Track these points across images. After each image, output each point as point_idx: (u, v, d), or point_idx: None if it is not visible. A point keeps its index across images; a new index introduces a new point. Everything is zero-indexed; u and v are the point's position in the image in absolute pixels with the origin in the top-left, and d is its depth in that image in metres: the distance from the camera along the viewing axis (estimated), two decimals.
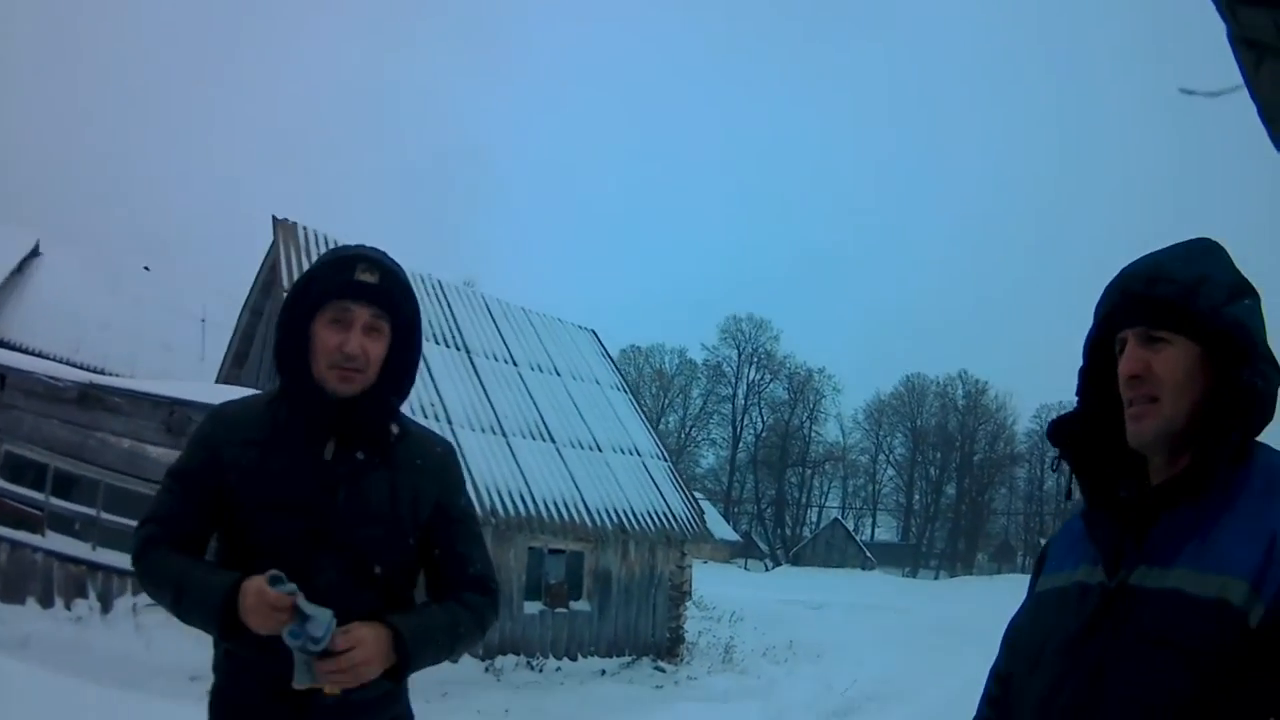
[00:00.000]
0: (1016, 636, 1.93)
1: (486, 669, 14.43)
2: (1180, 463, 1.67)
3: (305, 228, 18.20)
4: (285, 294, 2.73)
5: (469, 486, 2.84)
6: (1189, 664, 1.48)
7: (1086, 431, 1.82)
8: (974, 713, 2.04)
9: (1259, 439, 1.69)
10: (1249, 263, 1.80)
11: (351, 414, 2.51)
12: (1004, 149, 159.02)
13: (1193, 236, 1.79)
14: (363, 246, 2.60)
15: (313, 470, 2.48)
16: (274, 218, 18.03)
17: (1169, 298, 1.66)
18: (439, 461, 2.69)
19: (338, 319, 2.48)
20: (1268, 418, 1.66)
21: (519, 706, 12.07)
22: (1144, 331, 1.68)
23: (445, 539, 2.64)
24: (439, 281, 19.87)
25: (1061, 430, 1.84)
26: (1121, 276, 1.77)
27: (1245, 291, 1.70)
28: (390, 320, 2.56)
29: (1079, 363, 1.87)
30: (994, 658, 2.04)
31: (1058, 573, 1.84)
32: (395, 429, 2.61)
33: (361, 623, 2.30)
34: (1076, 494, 1.82)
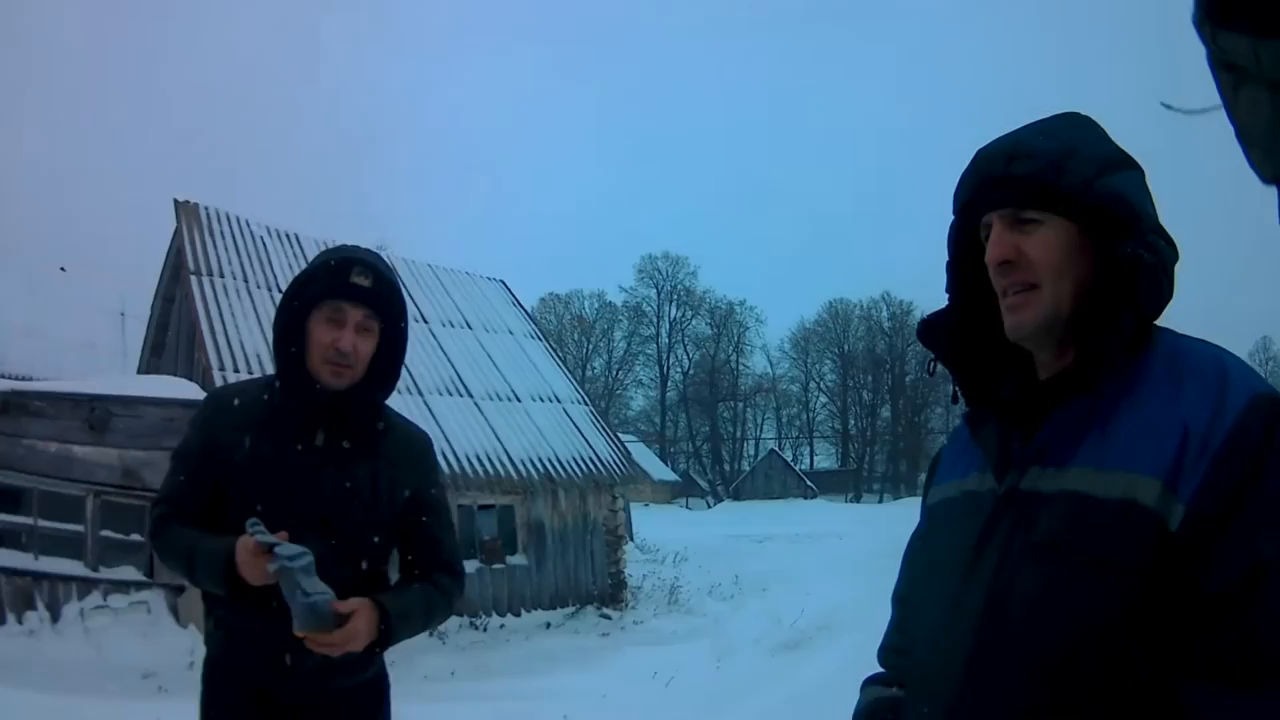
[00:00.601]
0: (913, 555, 1.85)
1: (431, 633, 14.01)
2: (1069, 354, 1.54)
3: (208, 208, 18.10)
4: (282, 294, 2.85)
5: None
6: (1097, 574, 1.34)
7: (963, 330, 1.69)
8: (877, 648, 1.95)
9: (1159, 322, 1.53)
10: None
11: (341, 406, 2.76)
12: (913, 61, 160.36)
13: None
14: (359, 249, 2.84)
15: (303, 456, 2.73)
16: (175, 201, 17.93)
17: (1032, 175, 1.52)
18: (418, 453, 2.98)
19: (333, 317, 2.70)
20: (1165, 296, 1.51)
21: (464, 666, 11.95)
22: (1011, 213, 1.53)
23: (420, 524, 2.89)
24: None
25: (934, 330, 1.73)
26: (978, 157, 1.62)
27: (1123, 163, 1.56)
28: (380, 321, 2.79)
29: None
30: None
31: (946, 483, 1.74)
32: (381, 423, 2.87)
33: (356, 598, 2.54)
34: (961, 398, 1.70)
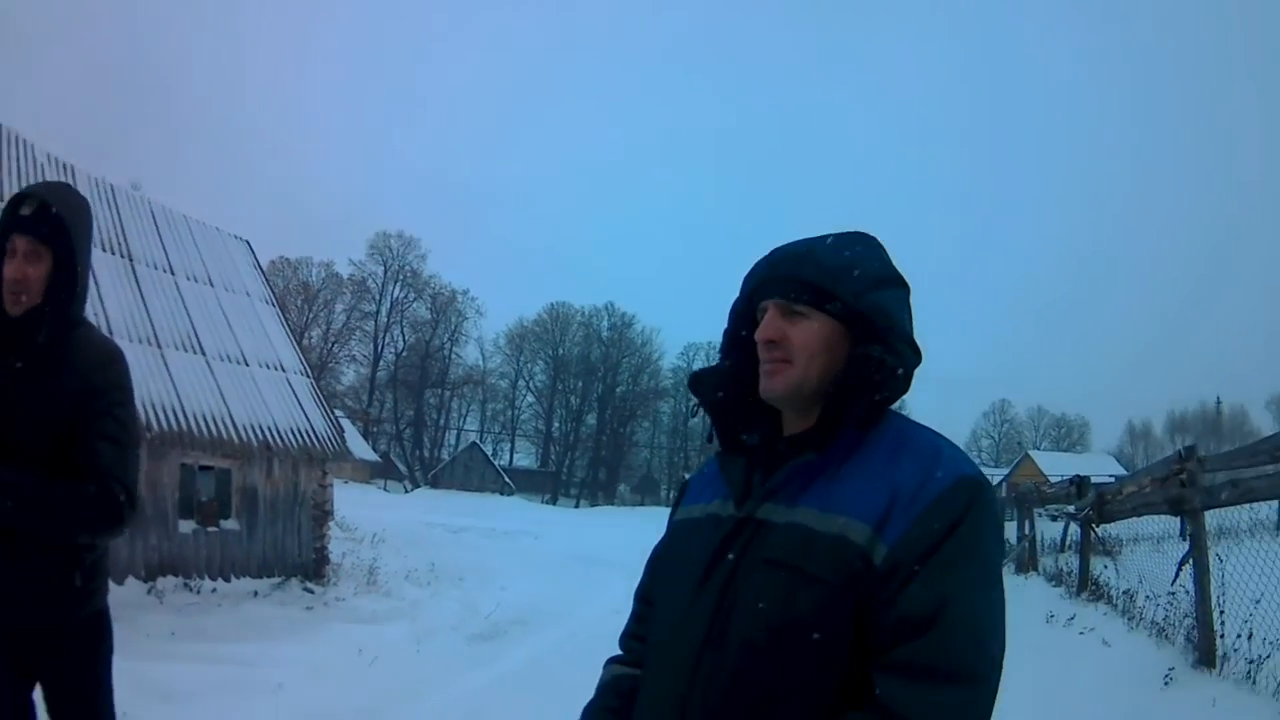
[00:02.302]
0: (658, 561, 2.14)
1: (149, 591, 13.90)
2: (812, 418, 1.84)
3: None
4: None
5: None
6: (809, 587, 1.67)
7: (726, 384, 1.99)
8: (620, 632, 2.24)
9: (894, 409, 1.90)
10: None
11: (18, 330, 2.94)
12: (675, 90, 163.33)
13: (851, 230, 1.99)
14: (37, 185, 3.05)
15: None
16: None
17: (813, 280, 1.83)
18: (95, 364, 3.08)
19: (10, 251, 2.94)
20: (900, 390, 1.85)
21: (183, 629, 11.69)
22: (785, 305, 1.85)
23: (82, 431, 2.96)
24: (111, 186, 18.42)
25: (702, 381, 2.01)
26: (773, 254, 1.94)
27: (892, 283, 1.90)
28: (50, 247, 2.98)
29: (727, 307, 2.04)
30: (634, 583, 2.28)
31: (694, 505, 2.04)
32: (43, 337, 2.98)
33: None
34: (716, 439, 2.01)
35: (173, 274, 18.24)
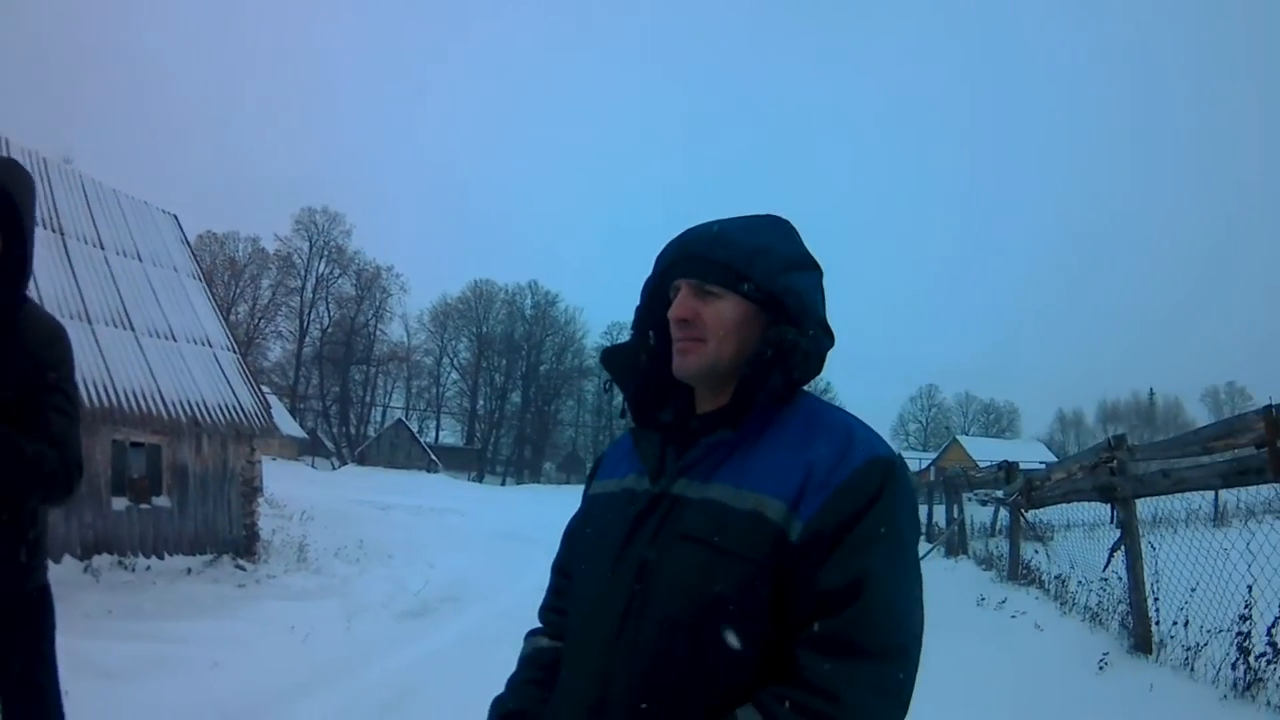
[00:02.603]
0: (574, 535, 2.17)
1: (85, 569, 13.83)
2: (725, 396, 1.89)
3: None
4: None
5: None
6: (726, 563, 1.70)
7: (640, 361, 2.04)
8: (538, 609, 2.28)
9: (808, 390, 1.95)
10: None
11: None
12: (606, 68, 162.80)
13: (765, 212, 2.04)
14: None
15: None
16: None
17: (725, 261, 1.86)
18: (44, 339, 3.16)
19: None
20: (812, 371, 1.89)
21: (120, 607, 11.61)
22: (698, 285, 1.87)
23: (35, 405, 3.03)
24: (44, 160, 18.05)
25: (614, 357, 2.06)
26: (686, 235, 1.96)
27: (805, 265, 1.94)
28: (2, 226, 3.04)
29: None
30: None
31: (608, 479, 2.08)
32: (17, 317, 3.09)
33: None
34: (629, 415, 2.06)
35: (103, 249, 18.00)
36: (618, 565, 1.84)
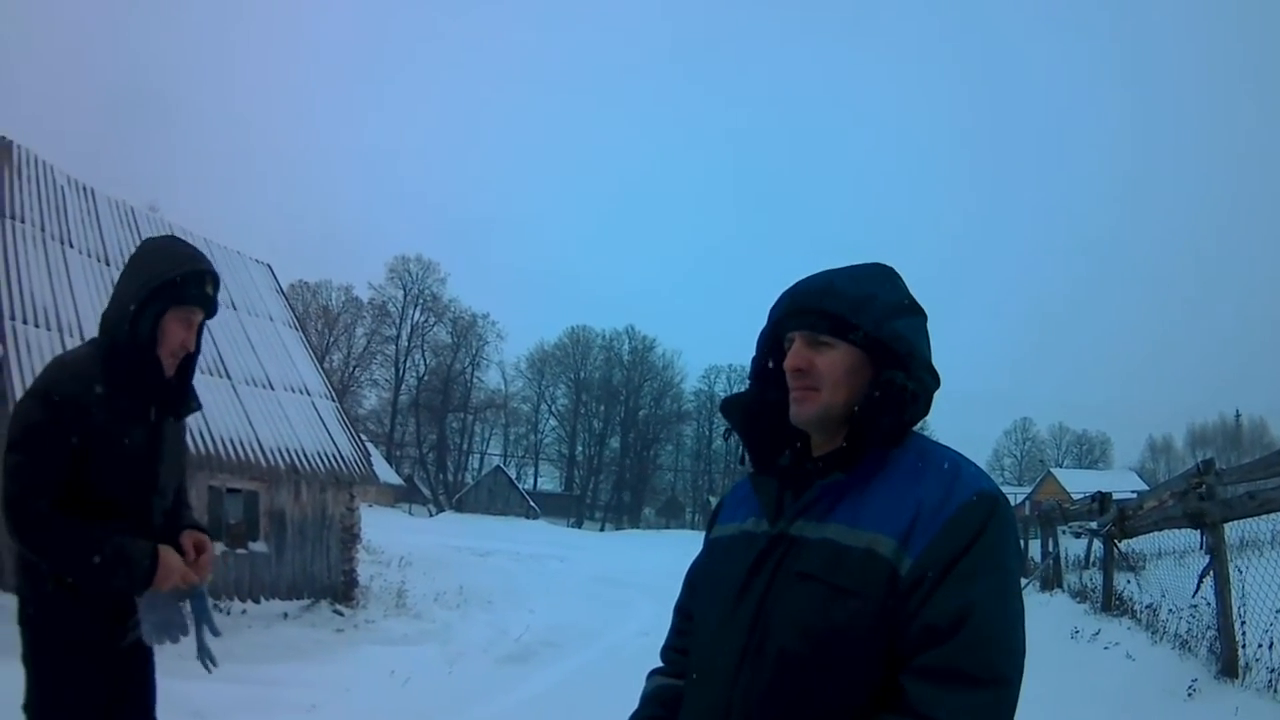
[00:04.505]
0: (695, 577, 2.26)
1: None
2: (839, 439, 1.96)
3: (21, 147, 16.47)
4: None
5: None
6: (841, 598, 1.78)
7: (756, 408, 2.11)
8: (657, 649, 2.35)
9: (916, 429, 2.01)
10: None
11: (173, 388, 3.38)
12: (696, 112, 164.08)
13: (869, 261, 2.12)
14: (203, 259, 3.40)
15: (144, 431, 3.26)
16: None
17: (835, 311, 1.94)
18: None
19: (186, 319, 3.29)
20: (920, 412, 1.96)
21: (214, 649, 11.66)
22: (810, 336, 1.96)
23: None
24: (132, 209, 18.58)
25: (733, 406, 2.13)
26: (796, 287, 2.04)
27: (910, 311, 2.02)
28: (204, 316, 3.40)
29: (747, 329, 2.18)
30: (663, 606, 2.43)
31: (729, 524, 2.14)
32: (190, 399, 3.52)
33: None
34: (749, 461, 2.12)
35: None
36: (738, 604, 1.92)
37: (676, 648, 2.28)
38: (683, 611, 2.31)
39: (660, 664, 2.32)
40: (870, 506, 1.85)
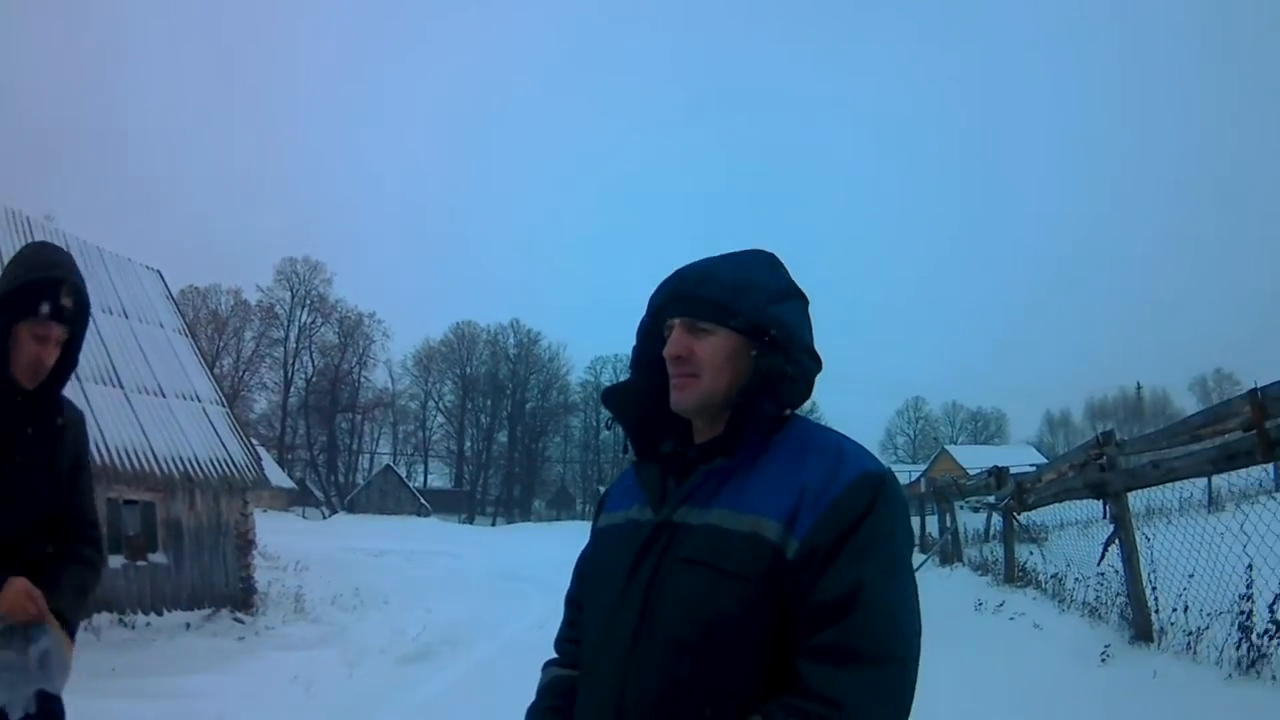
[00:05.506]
0: (583, 567, 2.26)
1: (86, 628, 13.68)
2: (720, 425, 1.96)
3: None
4: None
5: None
6: (727, 582, 1.78)
7: (638, 397, 2.10)
8: (552, 641, 2.35)
9: (800, 412, 2.03)
10: None
11: (35, 404, 3.14)
12: (569, 105, 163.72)
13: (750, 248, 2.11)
14: (61, 266, 3.13)
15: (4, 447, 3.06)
16: None
17: (714, 297, 1.94)
18: (79, 428, 3.35)
19: (39, 334, 3.02)
20: (801, 396, 1.98)
21: (122, 665, 11.69)
22: (689, 322, 1.95)
23: (74, 495, 3.29)
24: (27, 218, 18.18)
25: (614, 396, 2.13)
26: (676, 275, 2.04)
27: (790, 295, 2.02)
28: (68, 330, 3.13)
29: (631, 320, 2.14)
30: (556, 598, 2.44)
31: (614, 512, 2.14)
32: (61, 413, 3.25)
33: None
34: (631, 450, 2.12)
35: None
36: (626, 592, 1.90)
37: (569, 638, 2.27)
38: (573, 602, 2.30)
39: (554, 655, 2.31)
40: (753, 490, 1.85)
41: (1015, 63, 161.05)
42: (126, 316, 18.97)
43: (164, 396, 18.27)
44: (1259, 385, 5.57)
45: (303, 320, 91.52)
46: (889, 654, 1.70)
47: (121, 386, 17.19)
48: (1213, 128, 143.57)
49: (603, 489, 2.34)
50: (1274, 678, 5.50)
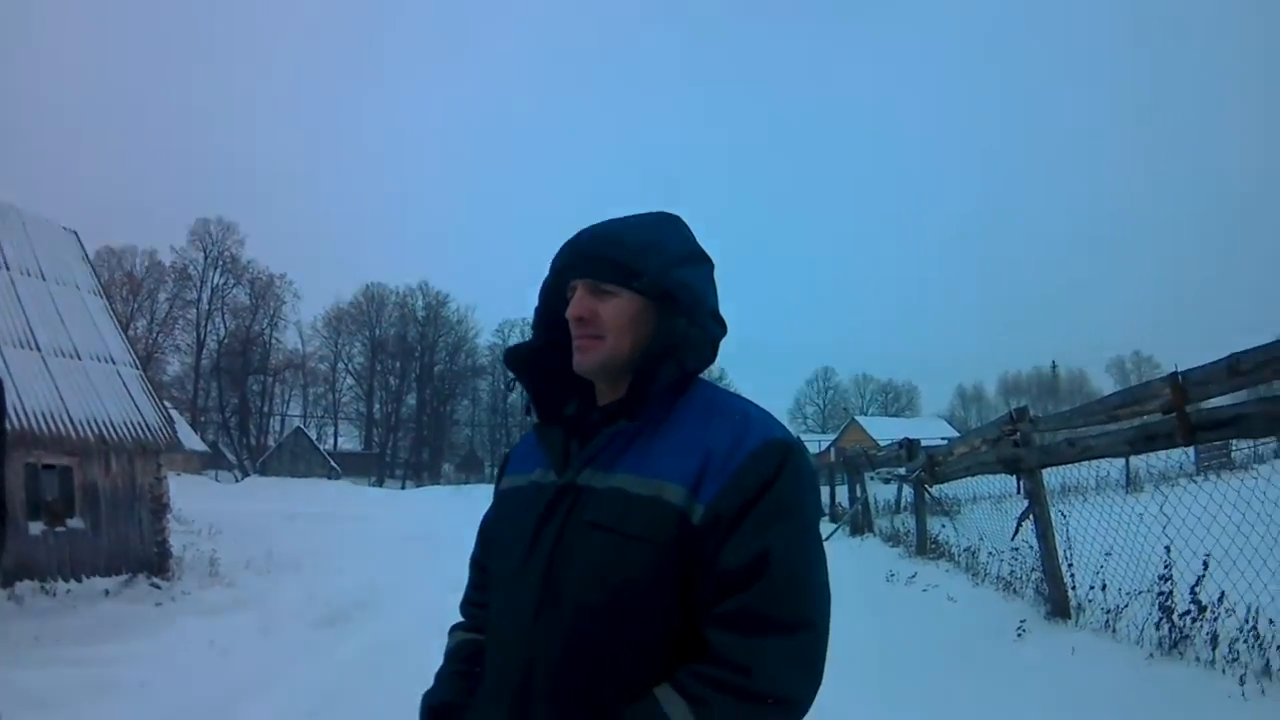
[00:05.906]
0: (488, 530, 2.26)
1: (9, 596, 13.83)
2: (623, 388, 1.92)
3: None
4: None
5: None
6: (633, 547, 1.76)
7: (540, 359, 2.09)
8: (459, 604, 2.36)
9: (706, 377, 2.03)
10: None
11: None
12: (487, 66, 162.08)
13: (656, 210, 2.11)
14: None
15: None
16: None
17: (617, 259, 1.92)
18: None
19: None
20: (705, 359, 1.97)
21: (45, 633, 11.73)
22: (593, 284, 1.93)
23: None
24: None
25: (517, 357, 2.10)
26: (579, 236, 2.00)
27: (695, 259, 2.01)
28: None
29: (539, 283, 2.12)
30: (465, 559, 2.42)
31: (517, 475, 2.12)
32: None
33: None
34: (534, 412, 2.10)
35: (7, 269, 17.90)
36: (530, 556, 1.89)
37: (475, 601, 2.27)
38: (478, 565, 2.31)
39: (461, 619, 2.31)
40: (657, 454, 1.83)
41: (935, 35, 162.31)
42: (44, 279, 18.73)
43: (80, 359, 18.05)
44: (1179, 369, 5.68)
45: (215, 281, 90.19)
46: (801, 619, 1.71)
47: (39, 349, 17.02)
48: (1142, 106, 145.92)
49: (509, 450, 2.37)
50: (1197, 659, 5.63)
